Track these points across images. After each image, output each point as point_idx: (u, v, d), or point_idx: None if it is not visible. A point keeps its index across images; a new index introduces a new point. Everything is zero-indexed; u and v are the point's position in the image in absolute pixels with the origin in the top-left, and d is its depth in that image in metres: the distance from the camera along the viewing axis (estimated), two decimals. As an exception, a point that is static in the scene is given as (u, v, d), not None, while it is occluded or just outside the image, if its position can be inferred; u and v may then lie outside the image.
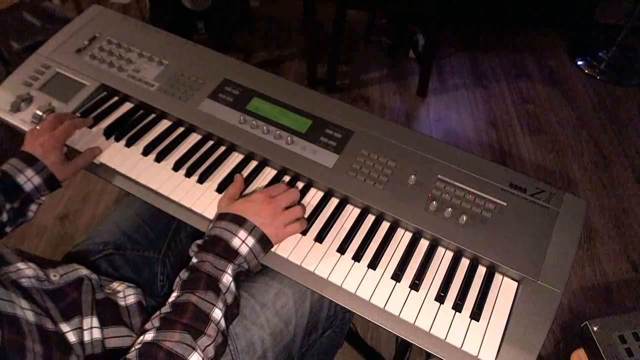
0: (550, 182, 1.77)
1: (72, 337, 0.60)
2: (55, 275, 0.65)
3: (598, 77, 2.23)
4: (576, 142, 1.97)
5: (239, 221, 0.68)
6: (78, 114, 0.89)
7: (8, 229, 0.75)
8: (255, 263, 0.69)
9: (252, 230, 0.67)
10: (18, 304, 0.54)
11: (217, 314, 0.60)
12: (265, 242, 0.69)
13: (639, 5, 2.11)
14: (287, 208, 0.73)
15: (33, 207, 0.78)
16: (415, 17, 2.31)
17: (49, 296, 0.61)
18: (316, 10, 1.95)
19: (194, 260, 0.65)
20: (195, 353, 0.55)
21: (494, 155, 1.91)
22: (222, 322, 0.60)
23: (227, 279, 0.63)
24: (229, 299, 0.63)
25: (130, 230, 0.87)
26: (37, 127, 0.80)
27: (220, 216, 0.70)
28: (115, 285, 0.73)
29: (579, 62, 2.30)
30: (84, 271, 0.69)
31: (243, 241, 0.66)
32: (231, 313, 0.63)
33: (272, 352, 0.73)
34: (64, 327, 0.59)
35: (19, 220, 0.77)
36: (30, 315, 0.54)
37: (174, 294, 0.62)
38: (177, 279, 0.64)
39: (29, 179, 0.74)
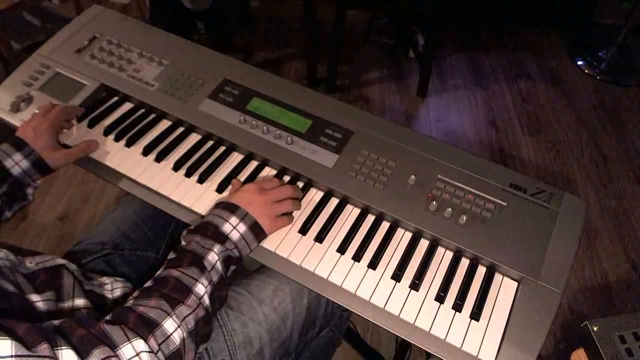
0: (550, 182, 1.78)
1: (42, 306, 0.58)
2: (31, 263, 0.64)
3: (598, 77, 2.23)
4: (576, 142, 1.96)
5: (231, 208, 0.69)
6: (77, 114, 0.88)
7: (8, 214, 0.75)
8: (248, 251, 0.69)
9: (244, 217, 0.68)
10: None
11: (200, 288, 0.59)
12: (257, 230, 0.69)
13: (639, 5, 2.11)
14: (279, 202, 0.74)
15: (29, 190, 0.77)
16: (415, 17, 2.31)
17: (23, 276, 0.60)
18: (316, 10, 1.95)
19: (182, 243, 0.66)
20: (170, 319, 0.54)
21: (494, 155, 1.91)
22: (206, 299, 0.60)
23: (212, 257, 0.63)
24: (215, 277, 0.62)
25: (128, 230, 0.87)
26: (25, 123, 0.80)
27: (214, 206, 0.71)
28: (103, 278, 0.74)
29: (579, 62, 2.30)
30: (61, 260, 0.69)
31: (234, 227, 0.67)
32: (219, 295, 0.63)
33: (269, 348, 0.73)
34: (33, 297, 0.58)
35: (17, 204, 0.77)
36: None
37: (158, 272, 0.62)
38: (165, 262, 0.65)
39: (16, 163, 0.74)
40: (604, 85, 2.20)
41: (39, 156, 0.76)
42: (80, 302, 0.64)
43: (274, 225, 0.72)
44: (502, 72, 2.28)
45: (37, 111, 0.87)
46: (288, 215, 0.75)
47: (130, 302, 0.56)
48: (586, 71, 2.26)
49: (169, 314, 0.54)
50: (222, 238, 0.66)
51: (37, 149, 0.75)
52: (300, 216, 0.76)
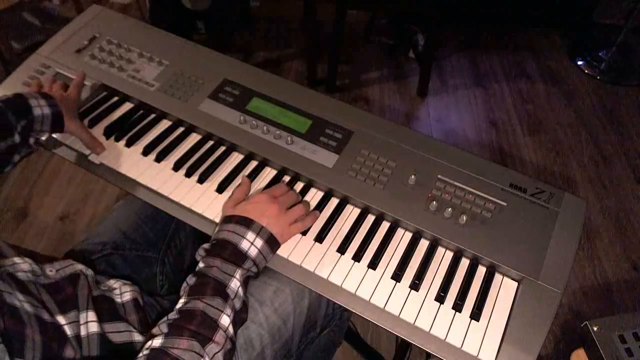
0: (550, 182, 1.78)
1: (68, 331, 0.59)
2: (51, 270, 0.65)
3: (598, 77, 2.23)
4: (576, 142, 1.97)
5: (246, 223, 0.67)
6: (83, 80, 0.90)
7: (17, 157, 0.77)
8: (264, 264, 0.69)
9: (260, 231, 0.67)
10: (15, 295, 0.54)
11: (225, 320, 0.59)
12: (273, 243, 0.69)
13: (639, 5, 2.11)
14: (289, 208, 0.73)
15: (31, 140, 0.78)
16: (415, 17, 2.31)
17: (45, 289, 0.61)
18: (316, 10, 1.95)
19: (201, 265, 0.64)
20: None
21: (494, 155, 1.91)
22: (230, 329, 0.59)
23: (235, 284, 0.63)
24: (237, 304, 0.62)
25: (129, 230, 0.87)
26: (44, 88, 0.84)
27: (227, 219, 0.69)
28: (112, 282, 0.73)
29: (579, 62, 2.30)
30: (79, 266, 0.69)
31: (252, 243, 0.66)
32: (240, 318, 0.63)
33: (271, 350, 0.73)
34: (61, 320, 0.59)
35: (25, 149, 0.78)
36: (27, 306, 0.54)
37: (181, 300, 0.61)
38: (184, 284, 0.64)
39: (40, 106, 0.77)
40: (604, 85, 2.20)
41: (61, 111, 0.79)
42: (91, 315, 0.63)
43: (288, 234, 0.71)
44: (502, 72, 2.28)
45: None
46: (302, 219, 0.74)
47: (160, 341, 0.55)
48: (586, 71, 2.26)
49: (202, 357, 0.54)
50: (242, 257, 0.65)
51: (61, 108, 0.79)
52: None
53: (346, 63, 2.28)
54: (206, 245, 0.67)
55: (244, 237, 0.66)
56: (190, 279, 0.63)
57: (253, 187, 0.80)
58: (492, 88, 2.19)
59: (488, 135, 1.99)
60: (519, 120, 2.05)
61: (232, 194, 0.76)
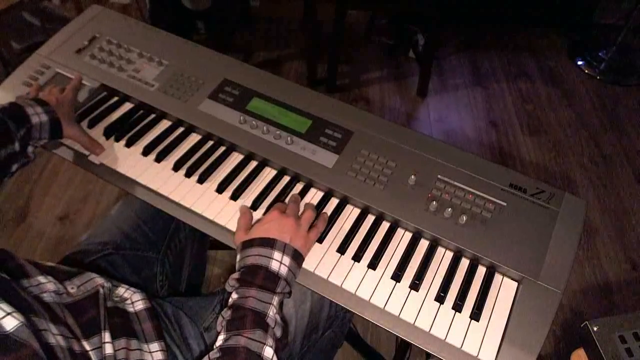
0: (550, 182, 1.78)
1: (94, 358, 0.57)
2: (72, 288, 0.63)
3: (598, 77, 2.23)
4: (576, 142, 1.97)
5: (269, 243, 0.66)
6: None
7: (14, 167, 0.76)
8: (293, 280, 0.67)
9: (284, 248, 0.66)
10: (49, 330, 0.51)
11: (269, 352, 0.57)
12: (298, 257, 0.68)
13: (639, 5, 2.11)
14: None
15: (30, 149, 0.78)
16: (415, 17, 2.31)
17: (69, 310, 0.59)
18: (316, 10, 1.95)
19: (235, 296, 0.63)
20: None
21: (494, 155, 1.91)
22: (275, 359, 0.58)
23: (273, 311, 0.61)
24: (278, 332, 0.61)
25: (129, 230, 0.87)
26: (43, 93, 0.84)
27: (246, 244, 0.67)
28: (122, 291, 0.72)
29: (579, 62, 2.30)
30: (99, 280, 0.68)
31: (281, 262, 0.64)
32: (282, 344, 0.62)
33: None
34: (86, 346, 0.57)
35: (23, 158, 0.77)
36: (61, 340, 0.52)
37: (221, 337, 0.59)
38: (220, 319, 0.62)
39: (37, 114, 0.76)
40: (604, 85, 2.20)
41: (58, 117, 0.79)
42: (107, 335, 0.61)
43: (309, 243, 0.70)
44: (502, 72, 2.28)
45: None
46: (316, 223, 0.73)
47: None
48: (586, 71, 2.26)
49: None
50: (275, 280, 0.63)
51: (59, 113, 0.79)
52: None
53: (346, 63, 2.28)
54: (236, 275, 0.65)
55: (271, 258, 0.64)
56: (226, 313, 0.61)
57: (253, 187, 0.80)
58: (492, 88, 2.19)
59: (488, 135, 1.99)
60: (519, 120, 2.05)
61: (238, 224, 0.74)
